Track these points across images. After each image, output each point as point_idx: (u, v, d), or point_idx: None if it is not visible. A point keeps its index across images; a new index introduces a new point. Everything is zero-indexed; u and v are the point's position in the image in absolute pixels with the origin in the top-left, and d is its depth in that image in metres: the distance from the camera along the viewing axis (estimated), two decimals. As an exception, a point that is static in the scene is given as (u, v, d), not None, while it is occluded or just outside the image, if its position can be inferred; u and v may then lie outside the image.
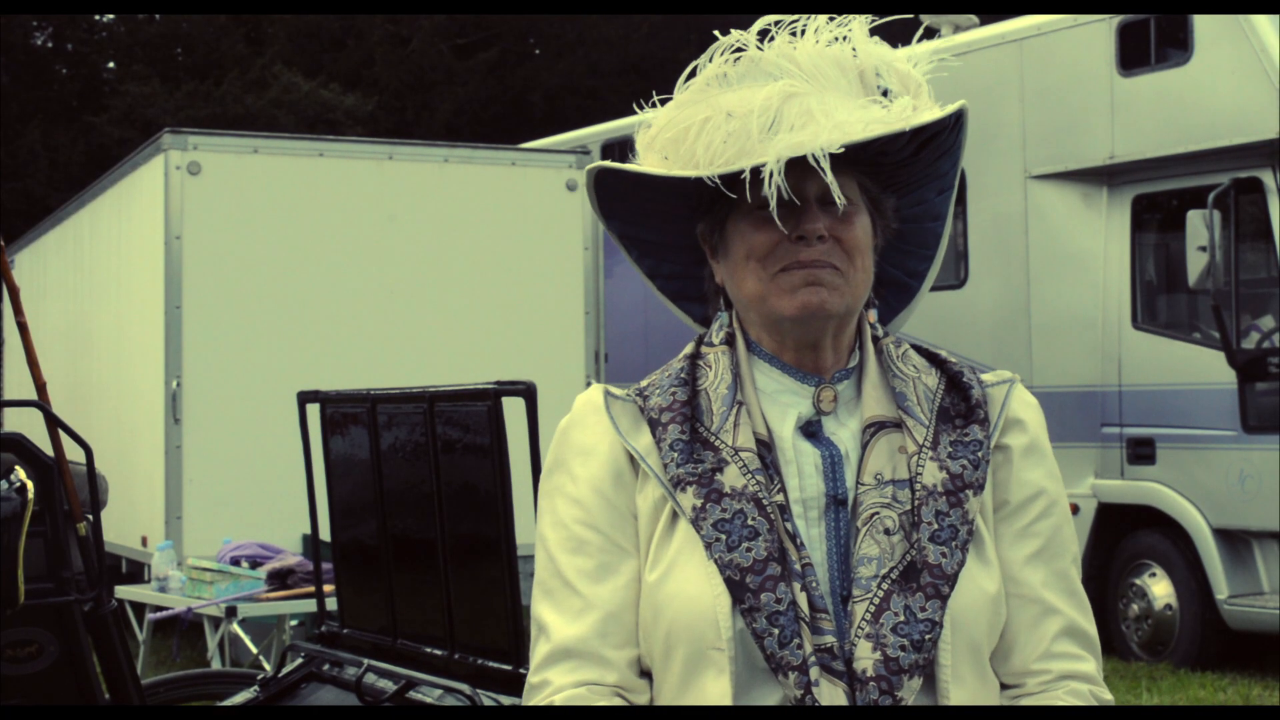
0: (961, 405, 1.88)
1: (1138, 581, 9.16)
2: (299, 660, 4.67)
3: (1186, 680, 8.52)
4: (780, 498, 1.80)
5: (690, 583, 1.77)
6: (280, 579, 7.74)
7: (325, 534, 4.75)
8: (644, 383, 1.93)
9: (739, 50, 1.86)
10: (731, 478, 1.80)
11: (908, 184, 1.92)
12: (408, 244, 9.67)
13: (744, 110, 1.79)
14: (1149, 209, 9.32)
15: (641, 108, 1.91)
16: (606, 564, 1.82)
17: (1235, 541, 8.69)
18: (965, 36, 10.38)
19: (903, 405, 1.86)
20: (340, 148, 9.93)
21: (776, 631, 1.73)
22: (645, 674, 1.82)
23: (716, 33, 1.88)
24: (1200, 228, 8.46)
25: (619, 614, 1.81)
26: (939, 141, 1.87)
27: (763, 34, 1.87)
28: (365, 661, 4.31)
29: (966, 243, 10.02)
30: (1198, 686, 8.37)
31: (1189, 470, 8.85)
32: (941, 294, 10.07)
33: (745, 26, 1.89)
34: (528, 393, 3.78)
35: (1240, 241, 8.60)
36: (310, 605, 7.36)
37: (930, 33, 11.07)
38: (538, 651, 1.84)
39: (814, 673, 1.72)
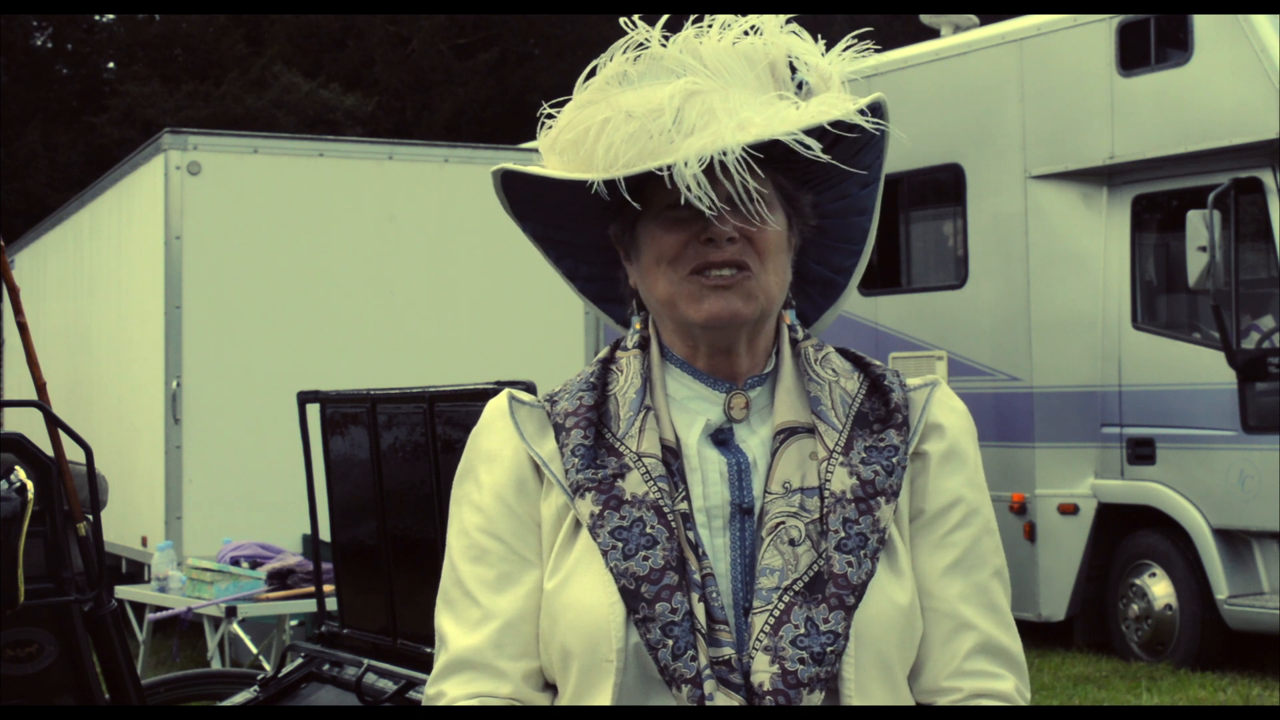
0: (881, 410, 1.81)
1: (1138, 581, 9.16)
2: (299, 660, 4.68)
3: (1186, 680, 8.51)
4: (684, 506, 1.74)
5: (586, 592, 1.71)
6: (280, 579, 7.74)
7: (325, 534, 4.75)
8: (557, 388, 1.88)
9: (641, 47, 1.79)
10: (633, 484, 1.74)
11: (827, 179, 1.83)
12: (408, 244, 9.67)
13: (644, 110, 1.72)
14: (1149, 209, 9.32)
15: (550, 115, 1.84)
16: (507, 574, 1.78)
17: (1235, 541, 8.69)
18: (965, 36, 10.38)
19: (816, 410, 1.79)
20: (340, 148, 9.93)
21: (671, 643, 1.67)
22: (550, 685, 1.78)
23: (625, 23, 1.81)
24: (1200, 228, 8.46)
25: (517, 625, 1.76)
26: (853, 136, 1.78)
27: (668, 31, 1.80)
28: (365, 661, 4.31)
29: (966, 243, 10.02)
30: (1198, 686, 8.37)
31: (1189, 470, 8.84)
32: (941, 294, 10.08)
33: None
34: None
35: (1240, 241, 8.60)
36: (310, 605, 7.36)
37: (930, 33, 11.07)
38: (437, 661, 1.80)
39: (709, 686, 1.66)
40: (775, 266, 1.78)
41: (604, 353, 1.89)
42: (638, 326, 1.88)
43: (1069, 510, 9.36)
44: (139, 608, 8.82)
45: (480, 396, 3.93)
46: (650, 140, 1.71)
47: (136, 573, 9.92)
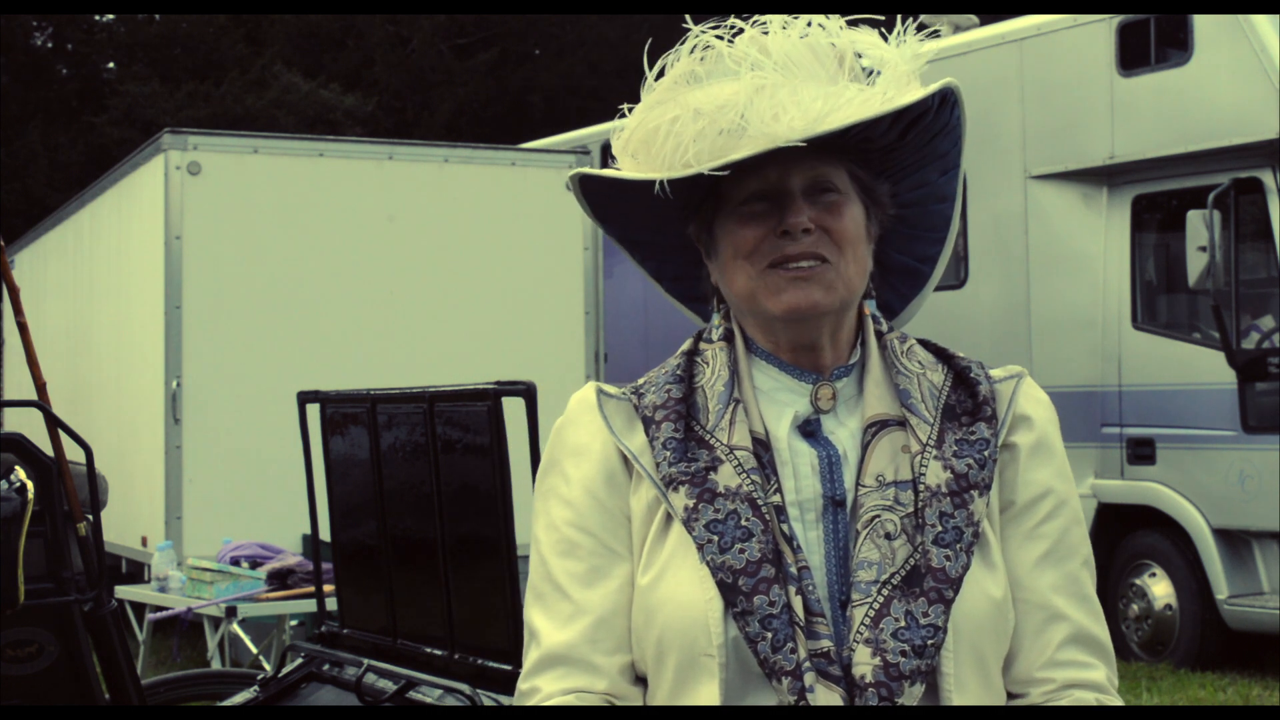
0: (968, 402, 1.82)
1: (1138, 581, 9.16)
2: (299, 660, 4.67)
3: (1186, 680, 8.52)
4: (777, 498, 1.74)
5: (682, 587, 1.72)
6: (280, 579, 7.74)
7: (325, 534, 4.75)
8: (640, 380, 1.87)
9: (708, 46, 1.80)
10: (726, 477, 1.74)
11: (903, 167, 1.84)
12: (408, 244, 9.67)
13: (712, 107, 1.73)
14: (1149, 209, 9.32)
15: (623, 114, 1.84)
16: (598, 568, 1.78)
17: (1235, 541, 8.69)
18: (965, 36, 10.38)
19: (906, 403, 1.79)
20: (340, 148, 9.92)
21: (770, 636, 1.67)
22: (640, 680, 1.78)
23: (687, 25, 1.82)
24: (1200, 228, 8.46)
25: (610, 620, 1.76)
26: (926, 123, 1.79)
27: (734, 29, 1.80)
28: (365, 661, 4.31)
29: (966, 243, 10.02)
30: (1198, 686, 8.37)
31: (1189, 470, 8.84)
32: (941, 294, 10.05)
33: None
34: (528, 393, 3.78)
35: (1240, 241, 8.60)
36: (310, 605, 7.36)
37: (928, 30, 11.07)
38: (529, 657, 1.80)
39: (809, 678, 1.66)
40: (854, 257, 1.78)
41: (687, 345, 1.88)
42: (719, 321, 1.87)
43: (1069, 510, 9.35)
44: (139, 608, 8.82)
45: (480, 396, 3.93)
46: (719, 136, 1.72)
47: (136, 573, 9.91)
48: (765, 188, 1.77)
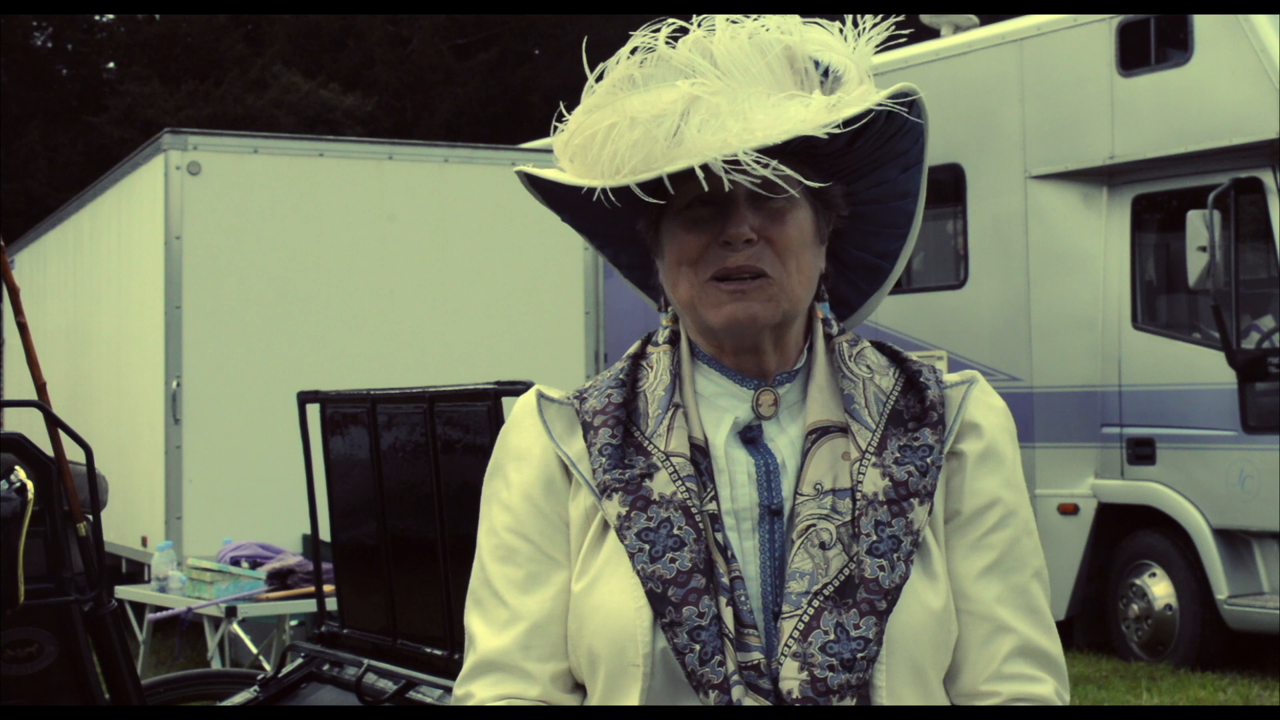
0: (916, 408, 1.76)
1: (1138, 581, 9.16)
2: (299, 660, 4.68)
3: (1186, 680, 8.52)
4: (713, 506, 1.71)
5: (613, 595, 1.69)
6: (280, 579, 7.74)
7: (325, 534, 4.76)
8: (587, 384, 1.84)
9: (649, 48, 1.75)
10: (661, 484, 1.71)
11: (856, 169, 1.79)
12: (408, 244, 9.67)
13: (648, 116, 1.68)
14: (1149, 209, 9.32)
15: (561, 117, 1.81)
16: (535, 574, 1.76)
17: (1235, 541, 8.69)
18: (965, 36, 10.38)
19: (849, 409, 1.75)
20: (340, 148, 9.92)
21: (698, 648, 1.64)
22: (579, 687, 1.76)
23: (631, 32, 1.78)
24: (1200, 228, 8.46)
25: (544, 627, 1.74)
26: (876, 128, 1.73)
27: (679, 32, 1.76)
28: (365, 661, 4.31)
29: (966, 243, 10.02)
30: (1198, 686, 8.37)
31: (1189, 470, 8.84)
32: (941, 294, 10.08)
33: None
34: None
35: (1240, 241, 8.60)
36: (310, 605, 7.36)
37: (930, 33, 11.08)
38: (466, 661, 1.78)
39: (737, 691, 1.63)
40: (798, 265, 1.75)
41: (635, 348, 1.86)
42: (667, 322, 1.85)
43: (1069, 510, 9.36)
44: (139, 608, 8.82)
45: (480, 396, 3.93)
46: (655, 146, 1.68)
47: (136, 573, 9.91)
48: (709, 192, 1.72)
